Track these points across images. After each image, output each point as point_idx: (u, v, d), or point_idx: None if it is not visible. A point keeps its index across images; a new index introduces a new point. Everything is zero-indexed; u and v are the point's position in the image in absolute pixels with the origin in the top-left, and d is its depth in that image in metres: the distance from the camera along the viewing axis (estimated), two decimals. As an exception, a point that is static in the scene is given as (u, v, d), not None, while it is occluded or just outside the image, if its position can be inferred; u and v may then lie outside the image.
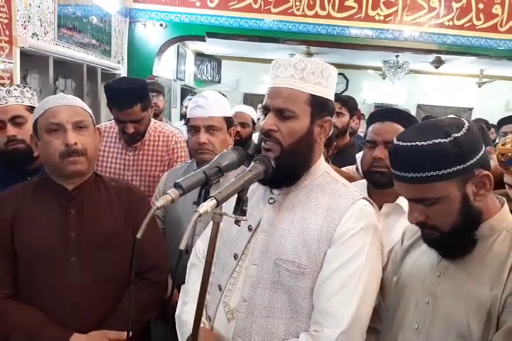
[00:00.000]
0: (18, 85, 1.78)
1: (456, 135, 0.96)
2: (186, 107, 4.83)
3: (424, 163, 0.96)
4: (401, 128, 1.48)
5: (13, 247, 1.36)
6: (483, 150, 1.00)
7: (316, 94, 1.14)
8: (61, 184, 1.42)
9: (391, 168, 1.04)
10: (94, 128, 1.47)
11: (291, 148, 1.13)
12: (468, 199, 0.99)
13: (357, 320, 1.07)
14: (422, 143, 0.96)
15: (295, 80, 1.13)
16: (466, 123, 0.99)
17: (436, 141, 0.95)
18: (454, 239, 1.02)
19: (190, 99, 4.81)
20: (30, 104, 1.75)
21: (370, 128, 1.60)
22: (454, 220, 1.00)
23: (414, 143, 0.97)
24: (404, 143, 0.99)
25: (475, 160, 0.97)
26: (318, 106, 1.15)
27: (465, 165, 0.96)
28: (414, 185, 0.99)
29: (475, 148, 0.99)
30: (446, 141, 0.95)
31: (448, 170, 0.95)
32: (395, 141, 1.02)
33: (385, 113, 1.61)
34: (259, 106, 2.61)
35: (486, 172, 0.99)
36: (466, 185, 0.98)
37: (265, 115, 1.17)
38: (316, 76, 1.13)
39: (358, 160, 1.80)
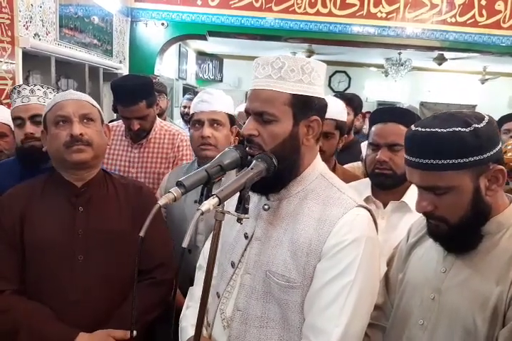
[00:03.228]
0: (42, 86, 1.80)
1: (476, 126, 0.96)
2: (184, 106, 4.84)
3: (441, 150, 0.96)
4: (404, 129, 1.44)
5: (22, 243, 1.37)
6: (499, 145, 1.00)
7: (297, 94, 1.06)
8: (70, 180, 1.43)
9: (405, 154, 1.03)
10: (103, 124, 1.48)
11: (274, 153, 1.07)
12: (479, 192, 0.99)
13: (346, 337, 1.02)
14: (442, 130, 0.96)
15: (273, 80, 1.06)
16: (487, 117, 0.99)
17: (457, 129, 0.95)
18: (461, 232, 1.01)
19: (187, 99, 4.81)
20: None
21: (372, 129, 1.56)
22: (463, 213, 1.00)
23: (434, 130, 0.96)
24: (423, 129, 0.98)
25: (491, 153, 0.97)
26: (301, 105, 1.07)
27: (481, 157, 0.96)
28: (428, 172, 0.98)
29: (493, 141, 0.98)
30: (466, 130, 0.95)
31: (464, 159, 0.95)
32: (413, 127, 1.02)
33: (387, 113, 1.57)
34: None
35: (501, 167, 0.99)
36: (479, 177, 0.98)
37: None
38: (296, 73, 1.06)
39: (363, 150, 1.77)
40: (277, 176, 1.09)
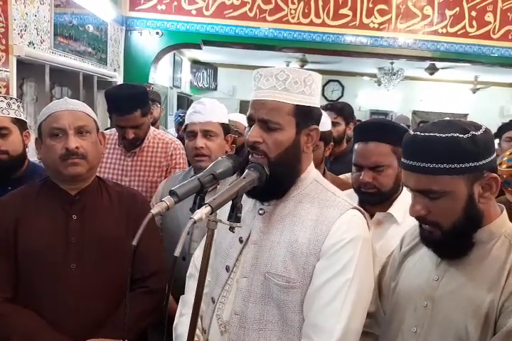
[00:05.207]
0: (5, 97, 1.79)
1: (474, 133, 0.98)
2: (178, 129, 4.93)
3: (439, 154, 0.98)
4: (387, 147, 1.45)
5: (15, 250, 1.36)
6: (494, 154, 1.02)
7: (300, 104, 1.11)
8: (64, 189, 1.43)
9: (402, 158, 1.05)
10: (98, 134, 1.48)
11: (278, 160, 1.11)
12: (473, 199, 1.00)
13: (347, 333, 1.05)
14: (441, 134, 0.98)
15: (278, 92, 1.11)
16: (484, 126, 1.02)
17: (455, 135, 0.97)
18: (453, 238, 1.02)
19: (179, 123, 4.91)
20: (15, 116, 1.77)
21: (355, 148, 1.54)
22: (455, 218, 1.01)
23: (433, 134, 0.98)
24: (423, 133, 1.00)
25: (487, 161, 0.99)
26: (303, 115, 1.13)
27: (477, 164, 0.98)
28: (425, 175, 0.99)
29: (489, 149, 1.00)
30: (464, 136, 0.97)
31: (461, 165, 0.97)
32: (412, 132, 1.04)
33: (369, 131, 1.53)
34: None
35: (495, 175, 1.00)
36: (473, 184, 0.99)
37: (251, 126, 1.15)
38: (298, 85, 1.11)
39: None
40: (279, 182, 1.13)
